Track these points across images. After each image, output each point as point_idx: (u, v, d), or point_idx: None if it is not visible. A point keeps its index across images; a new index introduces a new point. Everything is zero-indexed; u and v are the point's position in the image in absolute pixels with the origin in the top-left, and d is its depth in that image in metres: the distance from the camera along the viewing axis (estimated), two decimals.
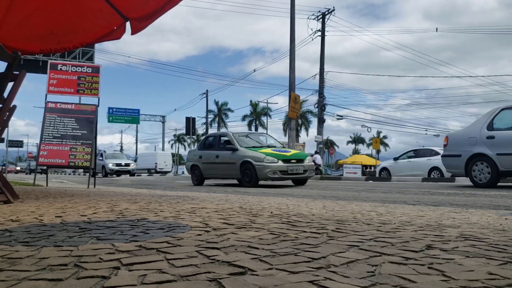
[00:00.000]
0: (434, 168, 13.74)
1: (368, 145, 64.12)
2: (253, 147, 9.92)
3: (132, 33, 3.85)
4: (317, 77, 24.13)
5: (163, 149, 46.42)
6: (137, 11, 3.94)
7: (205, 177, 10.73)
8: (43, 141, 7.04)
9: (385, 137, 66.45)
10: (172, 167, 35.73)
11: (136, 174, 25.71)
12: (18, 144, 46.90)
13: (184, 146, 71.21)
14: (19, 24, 4.17)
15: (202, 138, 12.60)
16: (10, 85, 3.27)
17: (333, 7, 23.88)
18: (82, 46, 4.87)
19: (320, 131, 23.76)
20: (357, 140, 72.41)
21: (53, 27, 4.24)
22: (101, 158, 22.69)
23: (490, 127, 7.47)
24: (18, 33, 4.30)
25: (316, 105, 24.79)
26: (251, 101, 53.40)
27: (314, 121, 37.47)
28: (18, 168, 53.66)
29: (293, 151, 10.54)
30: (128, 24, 3.96)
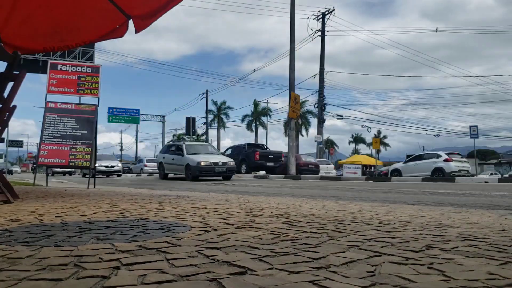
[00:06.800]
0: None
1: (369, 145, 64.07)
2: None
3: (136, 31, 3.85)
4: (317, 77, 24.13)
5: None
6: (139, 9, 3.94)
7: None
8: (43, 141, 7.04)
9: (385, 137, 66.40)
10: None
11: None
12: (18, 144, 46.70)
13: None
14: (22, 22, 4.17)
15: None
16: (10, 85, 3.27)
17: (333, 7, 23.89)
18: (85, 44, 4.87)
19: (320, 131, 23.76)
20: (358, 140, 72.37)
21: (56, 26, 4.25)
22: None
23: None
24: (21, 32, 4.31)
25: (316, 105, 24.78)
26: (255, 100, 53.14)
27: (314, 121, 37.48)
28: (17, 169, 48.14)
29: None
30: (131, 22, 3.97)
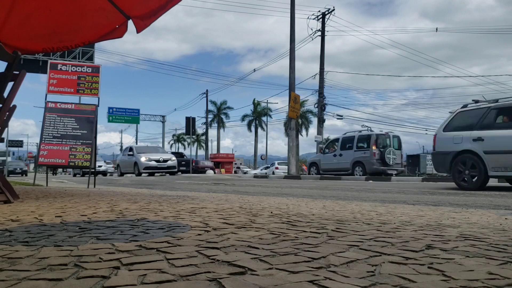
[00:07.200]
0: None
1: None
2: None
3: (138, 32, 3.87)
4: (317, 77, 24.13)
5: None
6: (139, 9, 3.94)
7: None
8: (43, 141, 7.04)
9: None
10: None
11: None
12: (18, 144, 46.62)
13: (184, 146, 71.27)
14: (21, 23, 4.18)
15: None
16: (10, 84, 3.27)
17: (333, 7, 23.88)
18: (84, 45, 4.88)
19: (320, 131, 23.75)
20: None
21: (55, 26, 4.25)
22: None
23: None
24: (20, 33, 4.31)
25: (316, 105, 24.79)
26: (254, 100, 53.36)
27: (315, 120, 37.47)
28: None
29: None
30: (130, 22, 3.97)
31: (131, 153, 18.64)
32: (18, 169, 33.70)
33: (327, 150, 17.81)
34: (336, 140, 17.78)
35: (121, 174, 19.38)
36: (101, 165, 23.88)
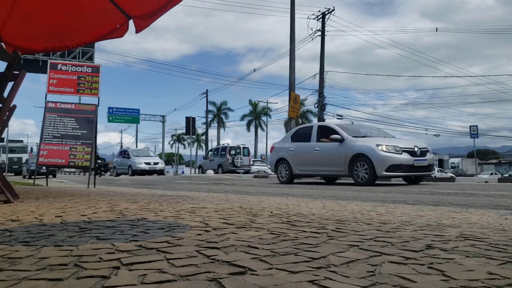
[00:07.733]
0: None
1: None
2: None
3: (137, 32, 3.87)
4: (317, 76, 24.12)
5: (162, 149, 46.40)
6: (139, 9, 3.94)
7: None
8: (43, 141, 7.05)
9: None
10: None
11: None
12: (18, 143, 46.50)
13: (184, 145, 71.34)
14: (22, 23, 4.18)
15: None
16: (10, 84, 3.27)
17: (333, 7, 23.86)
18: (85, 44, 4.88)
19: None
20: None
21: (56, 26, 4.26)
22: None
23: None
24: (21, 32, 4.32)
25: (316, 105, 24.79)
26: (250, 101, 53.53)
27: (315, 120, 37.43)
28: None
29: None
30: (131, 22, 3.97)
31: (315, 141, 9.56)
32: (44, 168, 29.73)
33: (206, 157, 27.13)
34: (211, 150, 27.94)
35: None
36: (158, 161, 21.53)
